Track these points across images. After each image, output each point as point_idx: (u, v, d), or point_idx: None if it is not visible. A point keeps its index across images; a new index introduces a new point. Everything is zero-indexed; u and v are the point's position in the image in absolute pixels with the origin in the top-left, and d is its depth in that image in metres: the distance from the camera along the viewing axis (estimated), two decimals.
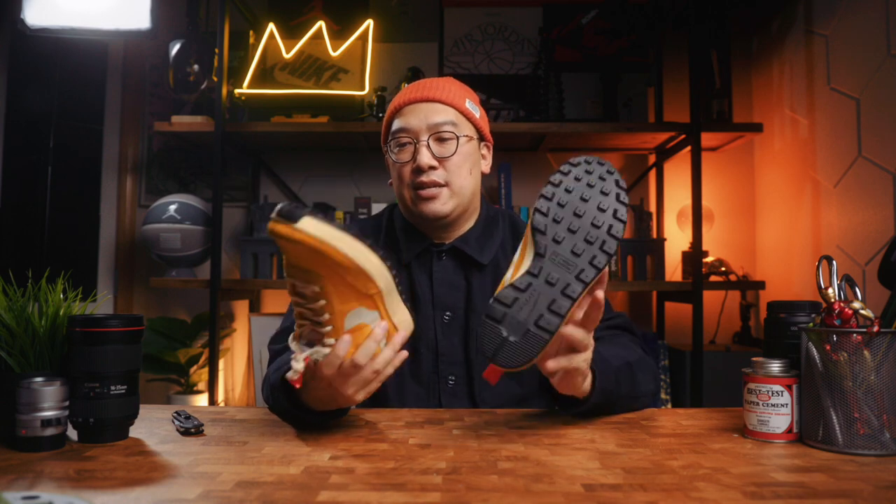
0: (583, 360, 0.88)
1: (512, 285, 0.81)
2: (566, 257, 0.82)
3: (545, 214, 0.83)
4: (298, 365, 0.79)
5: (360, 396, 0.86)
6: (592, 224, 0.83)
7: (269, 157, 2.64)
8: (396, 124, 1.16)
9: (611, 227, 0.82)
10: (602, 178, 0.85)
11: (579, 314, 0.84)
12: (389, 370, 0.86)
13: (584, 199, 0.83)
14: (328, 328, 0.80)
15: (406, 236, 1.21)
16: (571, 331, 0.83)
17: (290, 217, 0.72)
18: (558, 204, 0.84)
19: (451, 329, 1.15)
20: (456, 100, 1.16)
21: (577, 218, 0.83)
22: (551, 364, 0.84)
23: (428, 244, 1.19)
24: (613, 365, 0.98)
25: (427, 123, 1.13)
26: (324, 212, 0.80)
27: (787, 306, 0.92)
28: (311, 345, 0.82)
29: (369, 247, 0.77)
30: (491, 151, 1.26)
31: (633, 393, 1.03)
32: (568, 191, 0.84)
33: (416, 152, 1.13)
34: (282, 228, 0.72)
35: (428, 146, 1.13)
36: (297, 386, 0.80)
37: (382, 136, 1.23)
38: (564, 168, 0.86)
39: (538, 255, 0.82)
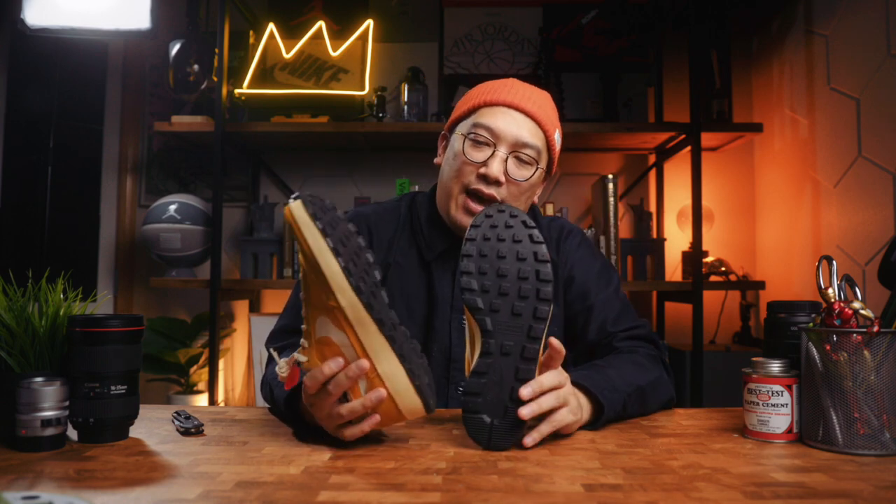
0: (568, 413, 0.84)
1: (474, 372, 0.81)
2: (509, 323, 0.81)
3: (472, 290, 0.82)
4: (282, 371, 0.79)
5: (332, 430, 0.81)
6: (519, 278, 0.82)
7: (269, 157, 2.64)
8: (483, 119, 1.07)
9: (538, 272, 0.82)
10: (508, 226, 0.85)
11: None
12: (356, 431, 0.79)
13: (500, 257, 0.83)
14: (304, 326, 0.79)
15: (431, 231, 1.14)
16: (544, 403, 0.81)
17: (292, 197, 0.76)
18: (480, 272, 0.83)
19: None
20: (550, 126, 1.09)
21: (503, 278, 0.82)
22: (529, 442, 0.81)
23: (454, 241, 1.13)
24: (623, 392, 0.95)
25: (515, 137, 1.05)
26: (327, 204, 0.80)
27: (787, 306, 0.92)
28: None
29: (335, 254, 0.74)
30: (545, 182, 1.17)
31: (644, 411, 1.02)
32: (483, 255, 0.84)
33: (490, 158, 1.05)
34: (286, 208, 0.76)
35: (505, 160, 1.05)
36: (289, 384, 0.80)
37: (455, 117, 1.13)
38: (470, 233, 0.86)
39: (484, 332, 0.82)
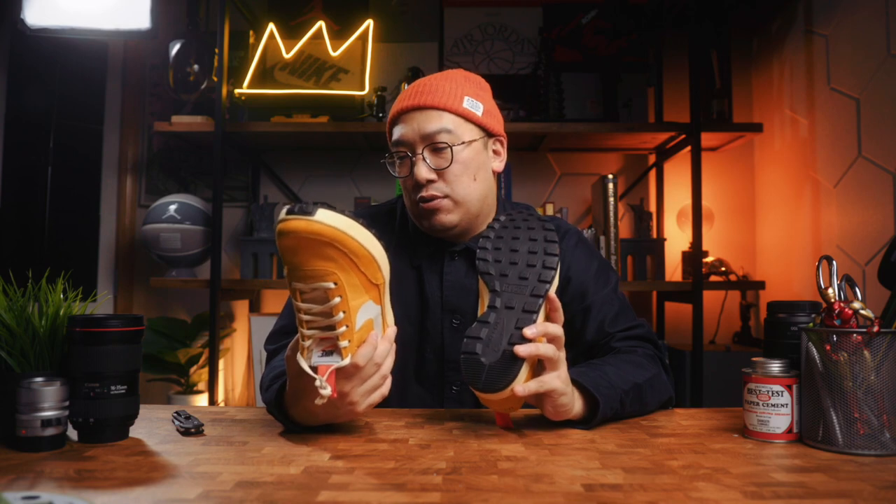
0: (556, 378, 0.87)
1: (478, 320, 0.89)
2: (516, 284, 0.91)
3: (486, 260, 0.94)
4: (326, 391, 0.77)
5: (363, 406, 0.84)
6: (529, 252, 0.93)
7: (269, 157, 2.64)
8: (394, 135, 1.11)
9: (545, 248, 0.93)
10: (525, 220, 0.98)
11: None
12: (387, 372, 0.86)
13: (515, 238, 0.95)
14: (342, 329, 0.79)
15: (418, 235, 1.17)
16: (541, 349, 0.84)
17: (305, 212, 0.73)
18: (495, 248, 0.95)
19: (459, 335, 1.10)
20: (450, 101, 1.08)
21: (514, 252, 0.94)
22: (519, 389, 0.83)
23: (439, 245, 1.16)
24: (620, 389, 0.96)
25: (420, 134, 1.07)
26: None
27: (787, 306, 0.92)
28: (328, 353, 0.81)
29: (376, 236, 0.80)
30: (505, 146, 1.18)
31: (642, 410, 1.03)
32: (499, 237, 0.96)
33: (413, 165, 1.08)
34: (298, 223, 0.73)
35: (424, 158, 1.07)
36: (335, 396, 0.79)
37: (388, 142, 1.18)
38: (493, 223, 0.98)
39: (493, 291, 0.91)
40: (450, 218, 1.10)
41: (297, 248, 0.75)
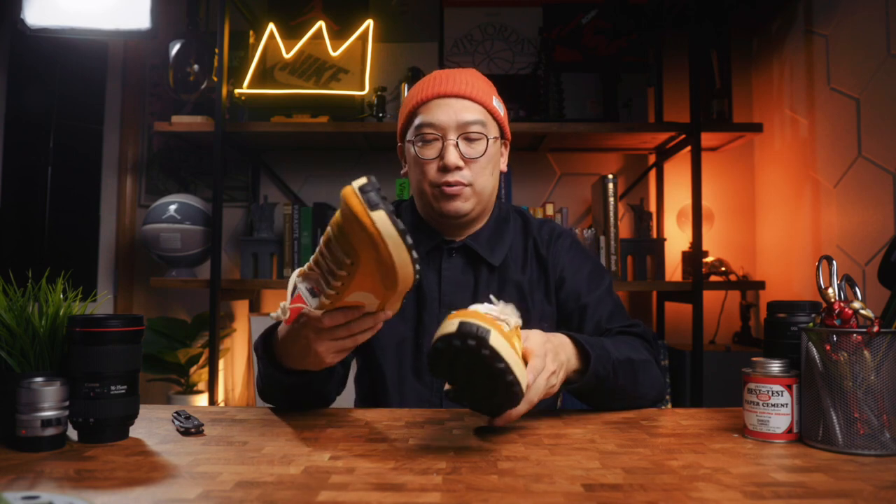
0: (534, 397, 0.86)
1: (451, 392, 0.86)
2: (480, 397, 0.86)
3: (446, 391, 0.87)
4: (283, 316, 0.84)
5: (330, 359, 0.88)
6: (489, 392, 0.83)
7: (269, 157, 2.64)
8: (422, 118, 1.12)
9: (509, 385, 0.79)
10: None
11: None
12: (360, 342, 0.88)
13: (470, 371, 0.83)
14: (332, 292, 0.81)
15: (417, 233, 1.19)
16: (513, 416, 0.85)
17: (370, 202, 0.73)
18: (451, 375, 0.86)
19: None
20: (485, 97, 1.13)
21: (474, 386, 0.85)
22: (500, 422, 0.86)
23: (438, 241, 1.18)
24: (613, 356, 0.98)
25: (457, 122, 1.10)
26: (396, 211, 0.81)
27: (787, 306, 0.92)
28: (312, 293, 0.84)
29: (413, 260, 0.77)
30: (508, 148, 1.23)
31: (634, 390, 1.04)
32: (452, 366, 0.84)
33: (443, 150, 1.10)
34: (357, 206, 0.73)
35: (456, 145, 1.10)
36: (287, 324, 0.84)
37: (400, 127, 1.19)
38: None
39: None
40: (466, 206, 1.13)
41: (344, 217, 0.75)
